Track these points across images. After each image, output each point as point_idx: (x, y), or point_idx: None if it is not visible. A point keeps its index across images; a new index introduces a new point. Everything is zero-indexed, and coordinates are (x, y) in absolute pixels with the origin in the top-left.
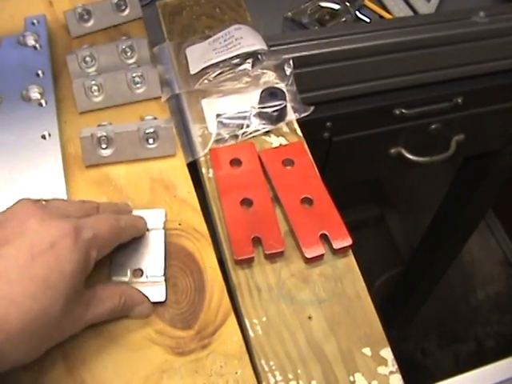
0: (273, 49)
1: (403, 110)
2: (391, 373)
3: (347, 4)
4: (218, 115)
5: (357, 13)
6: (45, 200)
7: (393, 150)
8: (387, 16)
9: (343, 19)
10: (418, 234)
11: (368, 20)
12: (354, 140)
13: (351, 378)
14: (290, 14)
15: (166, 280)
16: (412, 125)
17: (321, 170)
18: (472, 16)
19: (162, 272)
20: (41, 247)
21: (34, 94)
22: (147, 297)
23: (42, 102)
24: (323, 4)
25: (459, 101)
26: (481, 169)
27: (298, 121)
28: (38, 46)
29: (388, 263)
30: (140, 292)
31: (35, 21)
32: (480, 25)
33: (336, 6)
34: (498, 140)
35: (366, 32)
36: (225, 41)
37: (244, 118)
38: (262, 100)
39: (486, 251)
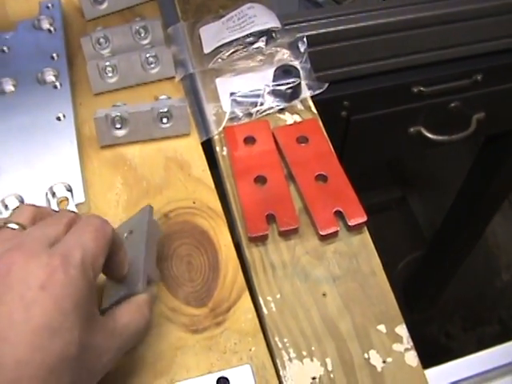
0: (288, 27)
1: (422, 88)
2: (406, 350)
3: None
4: (232, 93)
5: None
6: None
7: (412, 129)
8: None
9: None
10: (441, 215)
11: None
12: (373, 119)
13: (366, 355)
14: None
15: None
16: (431, 103)
17: (339, 149)
18: None
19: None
20: (32, 295)
21: (49, 76)
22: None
23: (57, 84)
24: None
25: (479, 78)
26: (503, 148)
27: (313, 98)
28: (52, 29)
29: (411, 245)
30: (147, 290)
31: (50, 4)
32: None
33: None
34: None
35: (381, 9)
36: (238, 19)
37: (258, 95)
38: (275, 78)
39: (511, 233)
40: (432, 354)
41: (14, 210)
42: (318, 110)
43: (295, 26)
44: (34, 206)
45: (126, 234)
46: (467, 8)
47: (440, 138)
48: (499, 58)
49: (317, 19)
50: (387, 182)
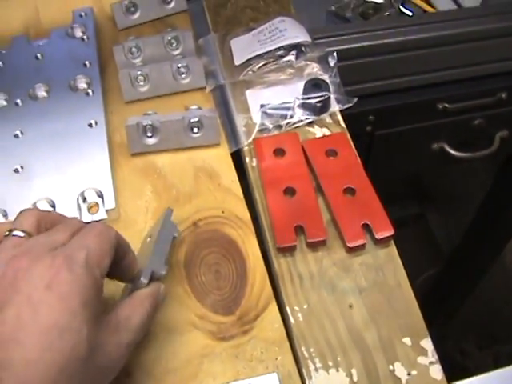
0: (317, 41)
1: (446, 105)
2: (431, 363)
3: None
4: (262, 105)
5: (400, 7)
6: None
7: (435, 145)
8: (430, 10)
9: (387, 13)
10: (459, 232)
11: (411, 14)
12: (397, 134)
13: (391, 367)
14: (333, 8)
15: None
16: (455, 120)
17: (363, 163)
18: None
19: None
20: (38, 295)
21: (81, 83)
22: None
23: (89, 91)
24: None
25: (503, 96)
26: None
27: (342, 112)
28: (85, 37)
29: (428, 262)
30: (152, 284)
31: (83, 13)
32: None
33: (379, 0)
34: None
35: (409, 25)
36: (269, 32)
37: (288, 108)
38: (305, 91)
39: None
40: (447, 371)
41: (17, 216)
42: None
43: (324, 40)
44: (37, 210)
45: (148, 239)
46: (493, 26)
47: (463, 154)
48: None
49: (346, 34)
50: (405, 198)
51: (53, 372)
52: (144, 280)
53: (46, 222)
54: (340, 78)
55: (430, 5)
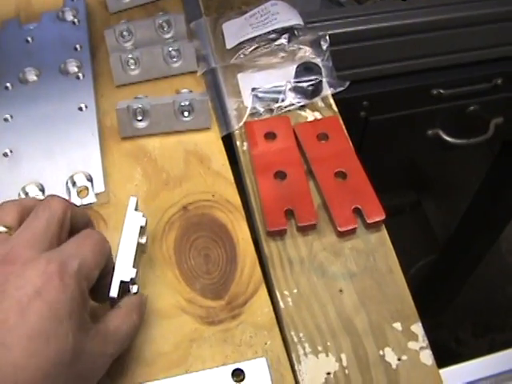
0: (310, 25)
1: (441, 91)
2: (422, 348)
3: None
4: (254, 89)
5: None
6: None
7: (430, 132)
8: None
9: None
10: (455, 220)
11: None
12: (391, 120)
13: (381, 352)
14: None
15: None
16: (449, 106)
17: (357, 149)
18: None
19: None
20: (27, 301)
21: (72, 67)
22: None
23: (80, 75)
24: None
25: (499, 82)
26: None
27: (334, 97)
28: (76, 21)
29: (424, 250)
30: (137, 295)
31: None
32: None
33: None
34: None
35: (404, 10)
36: (261, 16)
37: (279, 92)
38: (297, 74)
39: None
40: (442, 359)
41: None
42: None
43: (317, 24)
44: (17, 202)
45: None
46: (490, 11)
47: (458, 141)
48: None
49: (339, 18)
50: (402, 186)
51: (38, 377)
52: (113, 295)
53: (27, 212)
54: (333, 61)
55: None
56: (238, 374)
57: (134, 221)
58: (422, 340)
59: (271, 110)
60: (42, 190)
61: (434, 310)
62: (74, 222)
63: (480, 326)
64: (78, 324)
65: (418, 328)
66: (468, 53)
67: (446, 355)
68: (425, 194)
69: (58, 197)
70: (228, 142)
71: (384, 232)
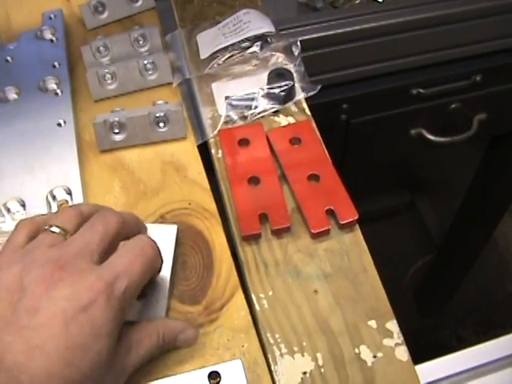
0: (283, 32)
1: (421, 90)
2: (397, 345)
3: None
4: (227, 97)
5: None
6: (62, 229)
7: (413, 131)
8: None
9: (357, 1)
10: (451, 219)
11: (382, 0)
12: (373, 122)
13: (356, 350)
14: None
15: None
16: (431, 105)
17: (341, 152)
18: None
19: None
20: (73, 313)
21: (51, 84)
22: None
23: (58, 91)
24: None
25: (478, 79)
26: (508, 148)
27: (312, 102)
28: (54, 39)
29: (421, 250)
30: (178, 320)
31: (52, 15)
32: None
33: None
34: None
35: (378, 11)
36: (234, 25)
37: (252, 99)
38: (269, 81)
39: None
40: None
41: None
42: (313, 113)
43: (290, 30)
44: (77, 209)
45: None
46: (464, 9)
47: (442, 139)
48: (498, 58)
49: (312, 23)
50: (396, 186)
51: None
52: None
53: (84, 220)
54: (309, 67)
55: None
56: (214, 376)
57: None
58: (397, 337)
59: (245, 117)
60: (23, 205)
61: (434, 309)
62: (126, 233)
63: (481, 323)
64: (113, 341)
65: (393, 325)
66: (445, 51)
67: (448, 354)
68: (419, 194)
69: (114, 211)
70: (204, 150)
71: (358, 232)
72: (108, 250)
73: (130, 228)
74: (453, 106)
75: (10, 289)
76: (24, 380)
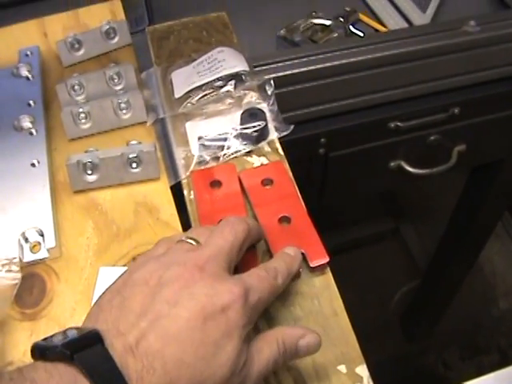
0: (262, 68)
1: (398, 123)
2: None
3: (341, 20)
4: (200, 138)
5: (351, 27)
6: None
7: (392, 164)
8: (382, 29)
9: (335, 35)
10: (435, 245)
11: (362, 34)
12: (351, 155)
13: None
14: (282, 32)
15: None
16: (410, 137)
17: (320, 185)
18: (463, 26)
19: None
20: (213, 311)
21: (26, 123)
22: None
23: (33, 130)
24: (315, 21)
25: (456, 111)
26: (489, 176)
27: (289, 137)
28: (30, 76)
29: (406, 276)
30: (297, 326)
31: (29, 52)
32: (471, 34)
33: (328, 22)
34: (501, 149)
35: (356, 46)
36: (208, 63)
37: (225, 139)
38: (242, 121)
39: (508, 260)
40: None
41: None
42: (292, 147)
43: (268, 66)
44: (209, 228)
45: None
46: (440, 44)
47: (421, 171)
48: (475, 90)
49: (290, 59)
50: (380, 213)
51: (197, 381)
52: None
53: None
54: (289, 102)
55: (382, 24)
56: None
57: None
58: (367, 382)
59: (218, 158)
60: None
61: (420, 335)
62: (251, 240)
63: (467, 348)
64: (243, 345)
65: (363, 370)
66: (423, 85)
67: (434, 380)
68: (403, 221)
69: (241, 220)
70: (177, 189)
71: (329, 275)
72: (235, 260)
73: (254, 235)
74: (432, 137)
75: (148, 282)
76: (157, 367)
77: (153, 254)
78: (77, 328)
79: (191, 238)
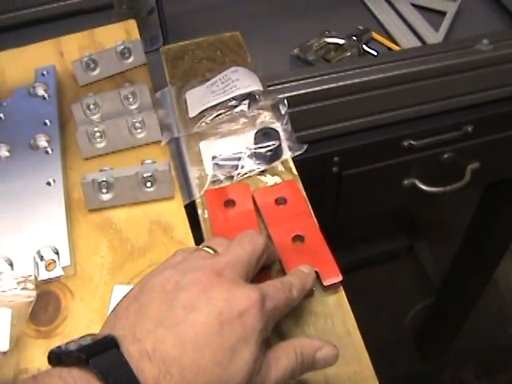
0: (276, 87)
1: (412, 142)
2: None
3: (354, 39)
4: (214, 157)
5: (364, 46)
6: (213, 249)
7: (406, 182)
8: (395, 48)
9: (348, 53)
10: (449, 262)
11: (375, 53)
12: (365, 173)
13: None
14: (295, 51)
15: None
16: (423, 156)
17: (334, 204)
18: (476, 44)
19: None
20: (230, 316)
21: (42, 142)
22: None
23: (49, 149)
24: (329, 40)
25: (469, 129)
26: (503, 193)
27: (303, 156)
28: (46, 96)
29: (421, 293)
30: (315, 338)
31: (45, 72)
32: (484, 52)
33: (341, 41)
34: None
35: (369, 65)
36: (222, 83)
37: (239, 158)
38: (256, 140)
39: None
40: None
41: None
42: (305, 166)
43: (279, 87)
44: (226, 238)
45: None
46: (452, 62)
47: (435, 189)
48: (488, 108)
49: (303, 78)
50: (394, 231)
51: None
52: None
53: None
54: (297, 123)
55: (395, 43)
56: None
57: None
58: None
59: (231, 177)
60: (11, 264)
61: (435, 354)
62: (268, 256)
63: (482, 367)
64: (260, 351)
65: None
66: (436, 103)
67: None
68: (417, 238)
69: (260, 235)
70: (192, 208)
71: (342, 294)
72: (252, 272)
73: (271, 253)
74: (445, 156)
75: (165, 288)
76: (174, 372)
77: (170, 263)
78: (92, 335)
79: (209, 247)
